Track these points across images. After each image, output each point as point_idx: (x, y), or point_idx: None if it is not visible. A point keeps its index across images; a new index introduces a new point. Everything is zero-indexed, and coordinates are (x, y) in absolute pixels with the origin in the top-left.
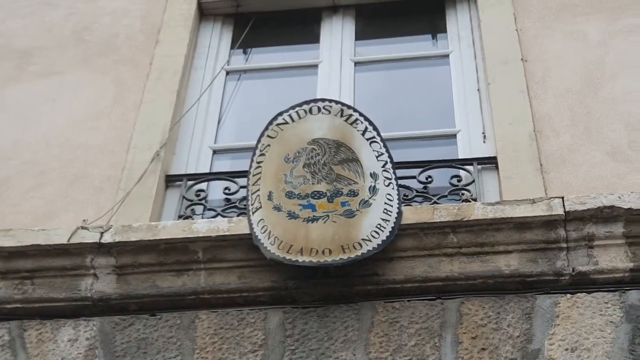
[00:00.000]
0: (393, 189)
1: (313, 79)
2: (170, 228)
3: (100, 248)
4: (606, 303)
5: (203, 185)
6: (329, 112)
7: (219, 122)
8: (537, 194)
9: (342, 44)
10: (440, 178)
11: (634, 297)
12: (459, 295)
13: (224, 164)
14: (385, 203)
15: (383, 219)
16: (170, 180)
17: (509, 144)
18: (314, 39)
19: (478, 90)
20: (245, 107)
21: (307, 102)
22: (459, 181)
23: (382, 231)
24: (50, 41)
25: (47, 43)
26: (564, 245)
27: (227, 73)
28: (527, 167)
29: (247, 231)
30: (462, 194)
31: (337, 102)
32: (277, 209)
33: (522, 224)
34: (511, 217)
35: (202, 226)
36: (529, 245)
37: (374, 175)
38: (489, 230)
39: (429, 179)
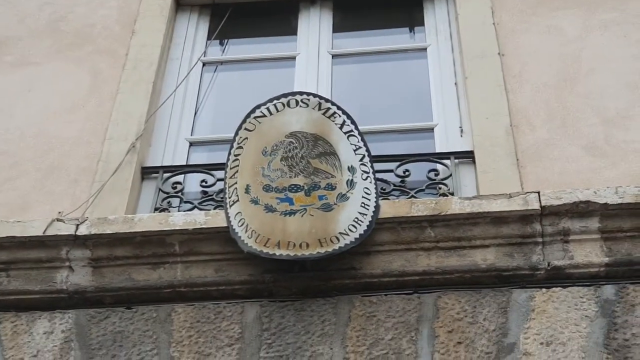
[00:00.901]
0: (371, 182)
1: (290, 71)
2: (147, 221)
3: (75, 240)
4: (581, 297)
5: (180, 178)
6: (307, 105)
7: (195, 114)
8: (514, 189)
9: (320, 36)
10: (418, 172)
11: (609, 291)
12: (436, 289)
13: (201, 157)
14: (363, 197)
15: (361, 213)
16: (147, 172)
17: (486, 138)
18: (292, 30)
19: (455, 84)
20: (222, 98)
21: (284, 95)
22: (436, 175)
23: (360, 225)
24: (25, 31)
25: (21, 33)
26: (540, 240)
27: (204, 64)
28: (504, 161)
29: (224, 224)
30: (440, 188)
31: (314, 96)
32: (255, 202)
33: (498, 219)
34: (488, 212)
35: (179, 219)
36: (505, 239)
37: (351, 169)
38: (466, 225)
39: (407, 173)
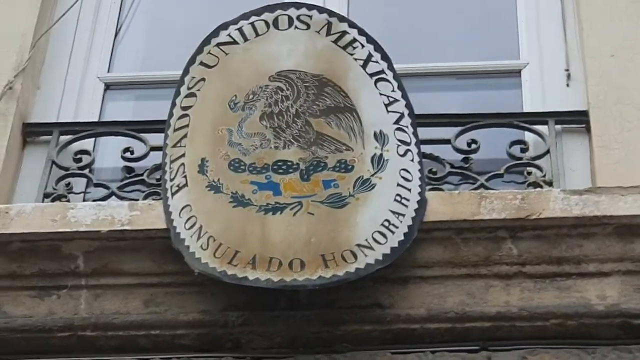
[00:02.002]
0: (412, 160)
1: None
2: (30, 216)
3: None
4: None
5: (88, 144)
6: (307, 25)
7: (115, 37)
8: None
9: None
10: (493, 145)
11: None
12: (520, 344)
13: (124, 108)
14: (399, 185)
15: (394, 212)
16: (32, 132)
17: (610, 91)
18: None
19: None
20: (161, 14)
21: (269, 8)
22: (523, 151)
23: (392, 233)
24: None
25: None
26: None
27: None
28: None
29: (162, 225)
30: (529, 174)
31: (320, 10)
32: (215, 188)
33: (629, 228)
34: (611, 216)
35: (85, 214)
36: (638, 264)
37: (380, 137)
38: (573, 237)
39: (474, 146)
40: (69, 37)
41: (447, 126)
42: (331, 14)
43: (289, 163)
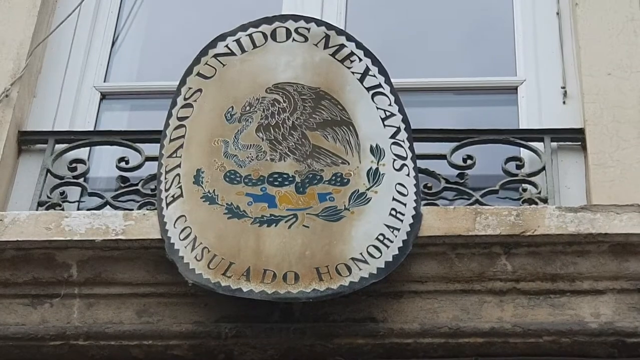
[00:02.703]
0: (408, 175)
1: None
2: (25, 223)
3: None
4: None
5: (83, 153)
6: (305, 38)
7: (112, 47)
8: None
9: None
10: (488, 161)
11: None
12: None
13: (120, 118)
14: (395, 199)
15: (389, 227)
16: (27, 140)
17: (606, 108)
18: None
19: (557, 13)
20: (157, 24)
21: (267, 20)
22: (519, 167)
23: (387, 247)
24: None
25: None
26: None
27: None
28: (636, 148)
29: (157, 235)
30: (524, 190)
31: (318, 22)
32: (210, 200)
33: (623, 247)
34: (606, 234)
35: (80, 223)
36: (633, 282)
37: (377, 151)
38: (568, 255)
39: (469, 162)
40: (66, 46)
41: (443, 141)
42: (329, 27)
43: (284, 175)
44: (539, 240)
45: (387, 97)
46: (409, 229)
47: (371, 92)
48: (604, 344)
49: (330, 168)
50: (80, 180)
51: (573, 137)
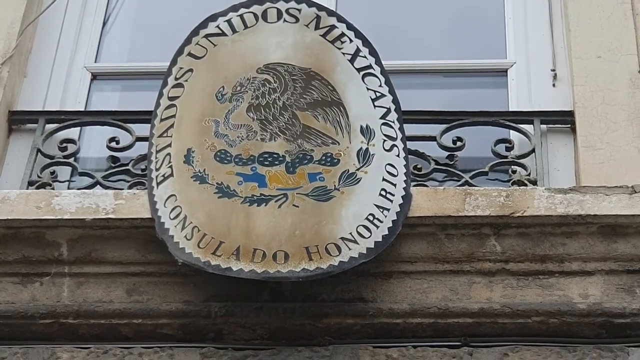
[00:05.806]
0: (398, 155)
1: None
2: (15, 202)
3: None
4: None
5: (73, 133)
6: (296, 19)
7: (103, 27)
8: None
9: None
10: (478, 143)
11: None
12: (501, 341)
13: (110, 98)
14: (384, 179)
15: (379, 207)
16: (18, 120)
17: (596, 91)
18: None
19: None
20: (148, 5)
21: (258, 0)
22: (508, 149)
23: (377, 227)
24: None
25: None
26: None
27: None
28: (625, 130)
29: (147, 214)
30: (514, 172)
31: (309, 3)
32: (200, 179)
33: (612, 228)
34: (594, 215)
35: (70, 202)
36: (622, 264)
37: (367, 132)
38: (557, 236)
39: (459, 144)
40: (57, 26)
41: (432, 123)
42: (320, 7)
43: (274, 155)
44: (529, 222)
45: (378, 78)
46: (398, 209)
47: (362, 73)
48: (592, 325)
49: (320, 148)
50: (71, 160)
51: (563, 120)
